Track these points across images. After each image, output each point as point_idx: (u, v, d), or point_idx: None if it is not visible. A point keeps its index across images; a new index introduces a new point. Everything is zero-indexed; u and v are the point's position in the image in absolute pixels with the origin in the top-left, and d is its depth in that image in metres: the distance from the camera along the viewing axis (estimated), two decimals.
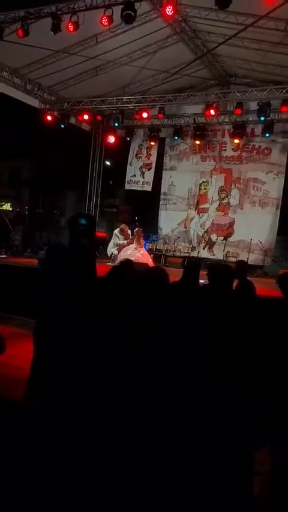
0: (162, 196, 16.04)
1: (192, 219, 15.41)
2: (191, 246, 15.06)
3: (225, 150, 14.78)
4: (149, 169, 16.26)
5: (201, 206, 15.25)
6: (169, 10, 8.91)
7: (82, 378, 2.74)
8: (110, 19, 9.07)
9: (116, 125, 14.86)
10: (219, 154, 14.89)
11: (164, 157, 16.04)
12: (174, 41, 11.66)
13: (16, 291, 6.59)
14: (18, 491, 2.29)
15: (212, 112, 12.83)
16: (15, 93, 13.45)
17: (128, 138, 16.26)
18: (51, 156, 18.38)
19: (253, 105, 12.98)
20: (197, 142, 14.92)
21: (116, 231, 10.85)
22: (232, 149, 14.61)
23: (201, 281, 4.83)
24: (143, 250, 10.40)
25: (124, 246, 10.37)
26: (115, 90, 14.11)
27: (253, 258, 13.34)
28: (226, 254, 14.01)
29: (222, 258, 13.82)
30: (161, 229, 15.96)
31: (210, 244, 14.90)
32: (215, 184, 14.97)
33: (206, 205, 15.15)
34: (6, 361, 3.45)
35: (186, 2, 9.80)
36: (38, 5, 9.71)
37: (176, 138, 15.17)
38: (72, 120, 15.64)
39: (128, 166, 16.65)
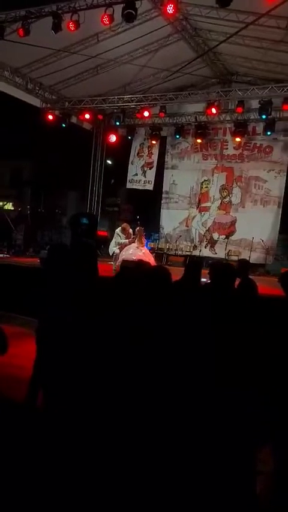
0: (163, 195, 16.04)
1: (193, 217, 15.40)
2: (192, 244, 15.05)
3: (227, 148, 14.77)
4: (150, 168, 16.25)
5: (203, 205, 15.24)
6: (170, 8, 8.91)
7: (83, 377, 2.74)
8: (111, 18, 9.07)
9: (118, 123, 14.86)
10: (221, 153, 14.87)
11: (166, 156, 16.02)
12: (175, 39, 11.64)
13: (18, 291, 6.62)
14: (19, 490, 2.29)
15: (214, 110, 12.82)
16: (16, 92, 13.46)
17: (129, 137, 16.25)
18: (52, 155, 18.37)
19: (254, 104, 12.97)
20: (199, 140, 14.91)
21: (118, 230, 10.84)
22: (233, 148, 14.59)
23: (203, 280, 4.82)
24: (145, 249, 10.38)
25: (126, 245, 10.36)
26: (116, 89, 14.10)
27: (255, 257, 13.32)
28: (228, 253, 14.00)
29: (224, 257, 13.82)
30: (163, 228, 15.95)
31: (212, 243, 14.89)
32: (217, 182, 14.95)
33: (208, 204, 15.14)
34: (8, 360, 3.45)
35: (187, 0, 9.79)
36: (38, 4, 9.70)
37: (178, 136, 15.16)
38: (74, 120, 15.65)
39: (130, 165, 16.64)
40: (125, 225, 10.95)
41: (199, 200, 15.32)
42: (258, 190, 14.14)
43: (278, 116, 13.15)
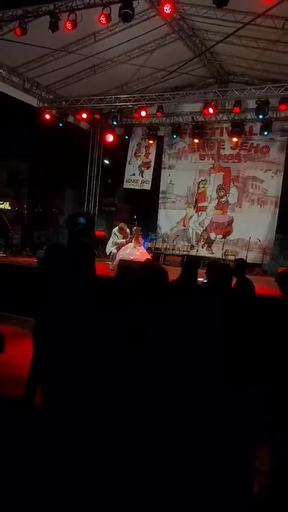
0: (161, 195, 16.03)
1: (191, 217, 15.42)
2: (189, 244, 15.08)
3: (224, 148, 14.78)
4: (147, 168, 16.26)
5: (200, 204, 15.25)
6: (167, 8, 8.92)
7: (82, 376, 2.74)
8: (108, 17, 9.06)
9: (115, 123, 14.86)
10: (218, 153, 14.89)
11: (163, 156, 16.02)
12: (173, 39, 11.65)
13: (15, 290, 6.60)
14: (18, 489, 2.29)
15: (211, 110, 12.82)
16: (13, 91, 13.43)
17: (126, 137, 16.25)
18: (49, 155, 18.34)
19: (251, 104, 13.00)
20: (196, 140, 14.92)
21: (115, 230, 10.84)
22: (230, 147, 14.61)
23: (200, 279, 4.83)
24: (142, 249, 10.40)
25: (123, 245, 10.37)
26: (113, 89, 14.09)
27: (252, 257, 13.35)
28: (225, 252, 14.03)
29: (221, 257, 13.84)
30: (160, 228, 15.96)
31: (209, 243, 14.91)
32: (214, 182, 14.97)
33: (205, 204, 15.16)
34: (5, 360, 3.45)
35: (184, 0, 9.79)
36: (36, 3, 9.68)
37: (175, 136, 15.17)
38: (71, 119, 15.63)
39: (127, 165, 16.64)
40: (122, 224, 10.95)
41: (196, 200, 15.33)
42: (255, 190, 14.16)
43: (274, 116, 13.17)
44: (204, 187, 15.20)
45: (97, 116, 15.78)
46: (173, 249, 14.83)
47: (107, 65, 12.57)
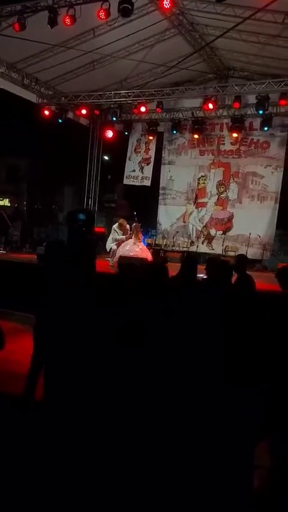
0: (161, 191, 16.01)
1: (191, 213, 15.40)
2: (190, 240, 15.06)
3: (224, 144, 14.74)
4: (147, 164, 16.22)
5: (200, 200, 15.23)
6: (166, 3, 8.86)
7: (83, 372, 2.74)
8: (107, 12, 9.01)
9: (114, 119, 14.79)
10: (218, 148, 14.85)
11: (163, 152, 15.99)
12: (172, 34, 11.58)
13: (15, 287, 6.60)
14: (18, 484, 2.30)
15: (210, 106, 12.77)
16: (12, 87, 13.37)
17: (126, 133, 16.21)
18: (49, 151, 18.31)
19: (251, 99, 12.93)
20: (195, 136, 14.88)
21: (115, 226, 10.83)
22: (230, 143, 14.57)
23: (200, 275, 4.82)
24: (142, 245, 10.39)
25: (123, 241, 10.36)
26: (113, 84, 14.04)
27: (252, 252, 13.34)
28: (225, 248, 14.03)
29: (221, 253, 13.84)
30: (160, 224, 15.94)
31: (209, 239, 14.90)
32: (214, 178, 14.94)
33: (205, 200, 15.14)
34: (5, 356, 3.45)
35: None
36: None
37: (174, 132, 15.11)
38: (70, 115, 15.57)
39: (127, 161, 16.60)
40: (121, 221, 10.94)
41: (196, 196, 15.31)
42: (255, 186, 14.14)
43: (274, 111, 13.13)
44: (204, 183, 15.18)
45: (96, 112, 15.72)
46: (173, 245, 14.82)
47: (106, 61, 12.52)
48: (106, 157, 18.19)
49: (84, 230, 3.61)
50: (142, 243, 10.59)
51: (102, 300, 3.03)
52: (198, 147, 15.22)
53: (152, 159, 16.13)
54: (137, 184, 16.43)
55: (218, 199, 14.88)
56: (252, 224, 13.71)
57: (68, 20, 9.42)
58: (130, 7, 8.65)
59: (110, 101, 14.18)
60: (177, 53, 11.73)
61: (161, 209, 16.03)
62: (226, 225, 14.64)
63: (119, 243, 10.43)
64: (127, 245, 10.09)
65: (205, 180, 15.14)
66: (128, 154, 16.57)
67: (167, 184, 15.90)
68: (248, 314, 3.00)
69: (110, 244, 10.71)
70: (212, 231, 14.87)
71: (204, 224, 15.06)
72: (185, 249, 14.43)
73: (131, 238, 10.23)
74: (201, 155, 15.23)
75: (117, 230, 10.68)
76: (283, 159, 13.56)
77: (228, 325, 2.67)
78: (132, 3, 8.66)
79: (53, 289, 3.27)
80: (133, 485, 2.32)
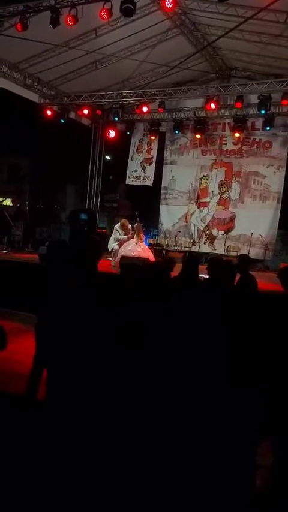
0: (162, 191, 16.01)
1: (192, 213, 15.39)
2: (191, 240, 15.05)
3: (226, 143, 14.72)
4: (149, 164, 16.22)
5: (202, 200, 15.22)
6: (168, 3, 8.86)
7: (84, 372, 2.74)
8: (109, 12, 9.01)
9: (116, 119, 14.79)
10: (220, 148, 14.84)
11: (165, 152, 15.97)
12: (174, 34, 11.58)
13: (17, 287, 6.61)
14: (20, 483, 2.30)
15: (212, 105, 12.76)
16: (14, 87, 13.39)
17: (128, 133, 16.21)
18: (51, 150, 18.35)
19: (253, 99, 12.90)
20: (198, 136, 14.87)
21: (117, 226, 10.83)
22: (232, 143, 14.55)
23: (202, 275, 4.82)
24: (144, 245, 10.39)
25: (125, 241, 10.36)
26: (115, 84, 14.04)
27: (254, 252, 13.31)
28: (227, 248, 14.01)
29: (223, 253, 13.81)
30: (162, 224, 15.94)
31: (211, 239, 14.89)
32: (216, 178, 14.92)
33: (207, 200, 15.12)
34: (7, 356, 3.46)
35: None
36: None
37: (176, 132, 15.10)
38: (72, 115, 15.58)
39: (129, 161, 16.60)
40: (123, 221, 10.94)
41: (198, 196, 15.30)
42: (258, 185, 14.12)
43: (277, 110, 13.10)
44: (206, 183, 15.16)
45: (99, 112, 15.72)
46: (175, 245, 14.81)
47: (108, 61, 12.52)
48: (108, 157, 18.19)
49: (86, 230, 3.61)
50: (144, 243, 10.58)
51: (102, 300, 3.03)
52: (200, 147, 15.21)
53: (154, 159, 16.12)
54: (139, 184, 16.43)
55: (220, 199, 14.87)
56: (254, 224, 13.70)
57: (70, 20, 9.42)
58: (132, 7, 8.65)
59: (112, 101, 14.18)
60: (180, 52, 11.72)
61: (163, 209, 16.03)
62: (228, 225, 14.62)
63: (120, 243, 10.42)
64: (129, 245, 10.09)
65: (207, 180, 15.13)
66: (130, 154, 16.57)
67: (169, 184, 15.90)
68: (249, 314, 2.99)
69: (112, 245, 10.70)
70: (214, 231, 14.86)
71: (206, 224, 15.05)
72: (187, 249, 14.42)
73: (133, 238, 10.23)
74: (203, 155, 15.22)
75: (119, 230, 10.68)
76: (285, 159, 13.53)
77: (229, 325, 2.67)
78: (135, 3, 8.66)
79: (53, 289, 3.28)
80: (135, 485, 2.32)
